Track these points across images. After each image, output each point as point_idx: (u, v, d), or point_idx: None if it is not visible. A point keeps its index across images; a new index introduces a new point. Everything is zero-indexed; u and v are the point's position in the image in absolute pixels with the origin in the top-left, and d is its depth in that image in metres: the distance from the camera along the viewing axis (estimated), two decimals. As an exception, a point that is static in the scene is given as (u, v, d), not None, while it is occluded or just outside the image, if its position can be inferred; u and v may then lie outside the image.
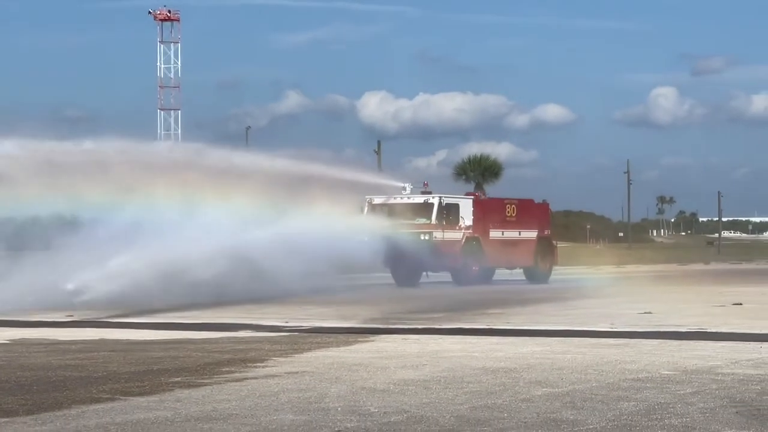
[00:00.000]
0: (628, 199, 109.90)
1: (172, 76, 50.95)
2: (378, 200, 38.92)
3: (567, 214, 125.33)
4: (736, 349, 18.07)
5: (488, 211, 40.89)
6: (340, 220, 34.10)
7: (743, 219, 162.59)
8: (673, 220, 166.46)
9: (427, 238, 37.56)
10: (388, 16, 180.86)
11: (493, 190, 69.05)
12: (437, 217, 37.88)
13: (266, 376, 14.49)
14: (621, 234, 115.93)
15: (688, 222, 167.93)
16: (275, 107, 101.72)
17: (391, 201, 39.20)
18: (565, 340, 19.41)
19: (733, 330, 21.30)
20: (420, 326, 23.13)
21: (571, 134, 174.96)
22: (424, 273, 39.63)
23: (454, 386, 13.18)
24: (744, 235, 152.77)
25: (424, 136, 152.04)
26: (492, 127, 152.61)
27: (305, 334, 21.68)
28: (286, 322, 24.07)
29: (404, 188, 39.58)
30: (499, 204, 42.18)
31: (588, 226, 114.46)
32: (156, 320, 24.62)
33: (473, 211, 39.79)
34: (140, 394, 12.64)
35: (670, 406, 11.89)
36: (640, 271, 64.30)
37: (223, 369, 15.43)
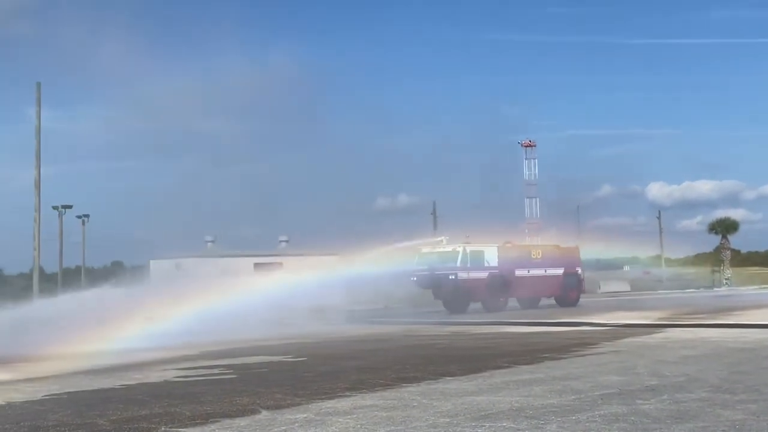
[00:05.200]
0: None
1: (532, 178, 77.56)
2: (425, 249, 45.64)
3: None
4: None
5: (513, 255, 45.22)
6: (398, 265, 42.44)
7: None
8: None
9: (453, 277, 42.81)
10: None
11: None
12: (462, 261, 43.18)
13: (598, 353, 18.35)
14: None
15: None
16: (595, 194, 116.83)
17: (432, 249, 45.33)
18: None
19: None
20: (692, 322, 27.99)
21: None
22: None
23: (716, 359, 16.29)
24: None
25: None
26: None
27: (620, 328, 26.84)
28: (608, 321, 29.42)
29: (441, 240, 46.76)
30: (524, 249, 46.51)
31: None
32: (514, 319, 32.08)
33: (498, 255, 44.45)
34: (525, 363, 16.35)
35: None
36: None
37: (572, 348, 19.76)
